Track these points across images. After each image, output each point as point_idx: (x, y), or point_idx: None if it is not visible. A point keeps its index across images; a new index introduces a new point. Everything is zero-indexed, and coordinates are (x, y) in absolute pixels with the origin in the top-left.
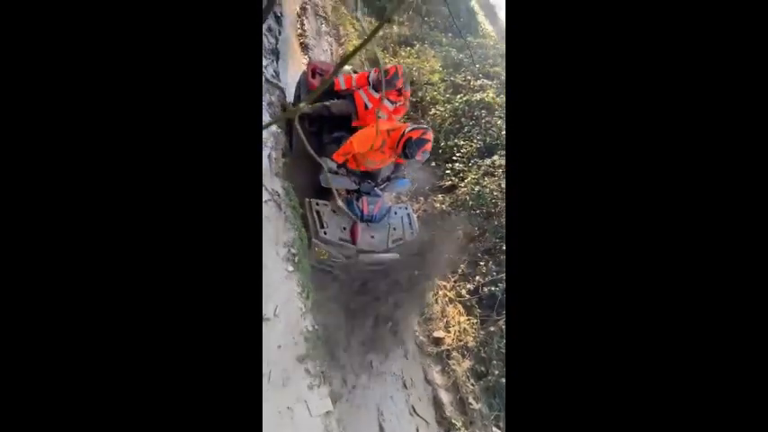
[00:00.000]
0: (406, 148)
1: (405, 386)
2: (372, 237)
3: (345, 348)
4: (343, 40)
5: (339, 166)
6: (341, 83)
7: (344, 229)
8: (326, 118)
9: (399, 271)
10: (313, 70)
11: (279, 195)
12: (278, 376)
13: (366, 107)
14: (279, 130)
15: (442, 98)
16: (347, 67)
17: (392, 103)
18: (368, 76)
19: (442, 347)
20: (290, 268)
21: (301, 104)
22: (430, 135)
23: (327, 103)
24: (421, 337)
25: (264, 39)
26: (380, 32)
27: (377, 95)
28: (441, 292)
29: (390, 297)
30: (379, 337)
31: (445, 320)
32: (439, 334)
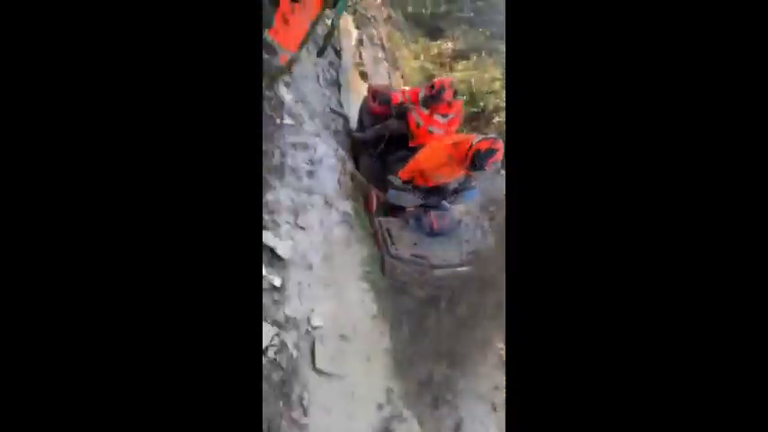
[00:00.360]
0: (475, 159)
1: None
2: (445, 251)
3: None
4: (399, 63)
5: (405, 182)
6: (398, 96)
7: (416, 245)
8: (389, 138)
9: (473, 283)
10: (373, 94)
11: (350, 216)
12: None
13: (418, 125)
14: (346, 156)
15: (506, 104)
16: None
17: (443, 116)
18: (418, 93)
19: None
20: (366, 286)
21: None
22: (500, 144)
23: (387, 123)
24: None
25: (327, 72)
26: (436, 50)
27: (427, 112)
28: None
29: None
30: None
31: None
32: None
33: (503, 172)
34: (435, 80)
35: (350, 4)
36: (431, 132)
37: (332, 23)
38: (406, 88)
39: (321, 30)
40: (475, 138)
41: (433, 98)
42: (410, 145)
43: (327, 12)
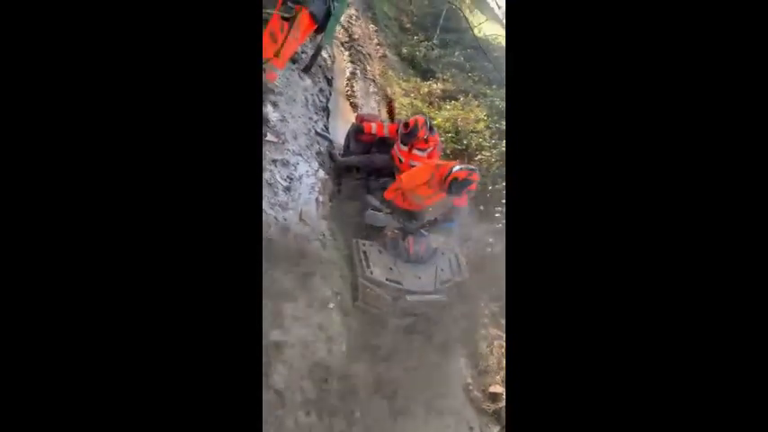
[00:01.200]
0: (452, 186)
1: None
2: (419, 277)
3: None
4: (390, 99)
5: (382, 203)
6: (372, 127)
7: (391, 269)
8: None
9: (447, 314)
10: (361, 121)
11: (324, 236)
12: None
13: (400, 161)
14: (327, 176)
15: (488, 144)
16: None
17: (422, 151)
18: (397, 129)
19: (500, 404)
20: (332, 306)
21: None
22: (476, 176)
23: (372, 157)
24: (475, 392)
25: (317, 98)
26: (426, 89)
27: (406, 149)
28: (496, 343)
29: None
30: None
31: (502, 374)
32: (496, 389)
33: (482, 207)
34: (410, 119)
35: (338, 33)
36: (412, 167)
37: (319, 45)
38: (385, 122)
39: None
40: (456, 165)
41: (408, 135)
42: (397, 176)
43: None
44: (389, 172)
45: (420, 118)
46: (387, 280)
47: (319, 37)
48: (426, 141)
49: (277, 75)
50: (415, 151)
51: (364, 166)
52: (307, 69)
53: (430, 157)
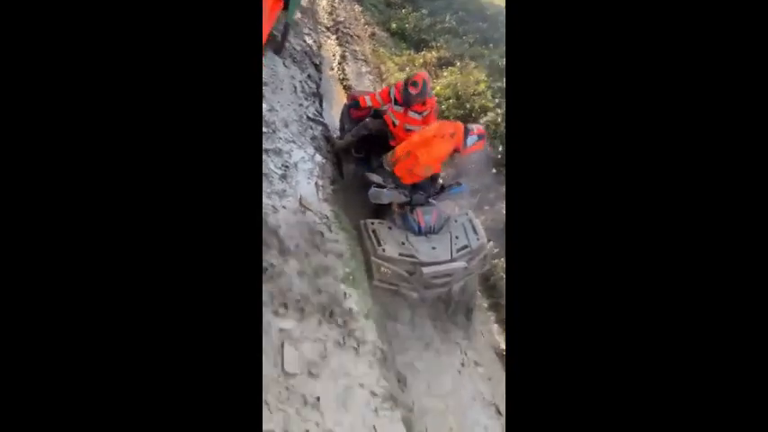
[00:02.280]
0: (467, 140)
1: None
2: (434, 248)
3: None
4: (384, 76)
5: (385, 179)
6: (366, 100)
7: (403, 244)
8: (371, 140)
9: (471, 280)
10: (353, 99)
11: (328, 218)
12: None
13: (394, 124)
14: (324, 160)
15: (492, 104)
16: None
17: (419, 113)
18: (389, 92)
19: None
20: (343, 286)
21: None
22: (484, 135)
23: (364, 122)
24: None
25: (305, 84)
26: (421, 60)
27: (401, 110)
28: None
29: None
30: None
31: None
32: None
33: (494, 170)
34: (414, 75)
35: (323, 18)
36: (408, 131)
37: (285, 23)
38: (376, 91)
39: (276, 31)
40: (467, 125)
41: (419, 95)
42: (391, 144)
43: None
44: (385, 137)
45: (424, 74)
46: (400, 255)
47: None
48: (424, 104)
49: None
50: (410, 113)
51: (358, 134)
52: (278, 51)
53: (426, 120)
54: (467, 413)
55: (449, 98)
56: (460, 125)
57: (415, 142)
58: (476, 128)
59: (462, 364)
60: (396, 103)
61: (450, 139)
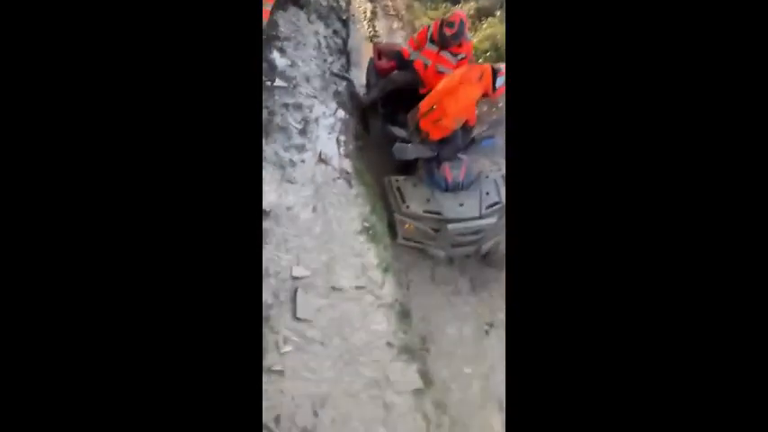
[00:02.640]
0: (496, 81)
1: None
2: (461, 205)
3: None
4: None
5: (411, 134)
6: (408, 50)
7: (429, 200)
8: (398, 96)
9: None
10: (379, 53)
11: (349, 173)
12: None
13: (425, 66)
14: (348, 116)
15: None
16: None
17: (454, 55)
18: (426, 32)
19: None
20: (362, 239)
21: None
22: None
23: (390, 76)
24: None
25: (330, 41)
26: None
27: (435, 49)
28: None
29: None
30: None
31: None
32: None
33: None
34: (451, 15)
35: None
36: (440, 73)
37: None
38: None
39: None
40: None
41: (455, 36)
42: (421, 92)
43: None
44: (413, 94)
45: (461, 13)
46: (425, 212)
47: None
48: (460, 45)
49: (268, 10)
50: (444, 54)
51: (384, 88)
52: (301, 4)
53: (460, 65)
54: (491, 375)
55: (487, 51)
56: (488, 66)
57: (439, 92)
58: (504, 67)
59: (491, 325)
60: (431, 41)
61: (477, 84)
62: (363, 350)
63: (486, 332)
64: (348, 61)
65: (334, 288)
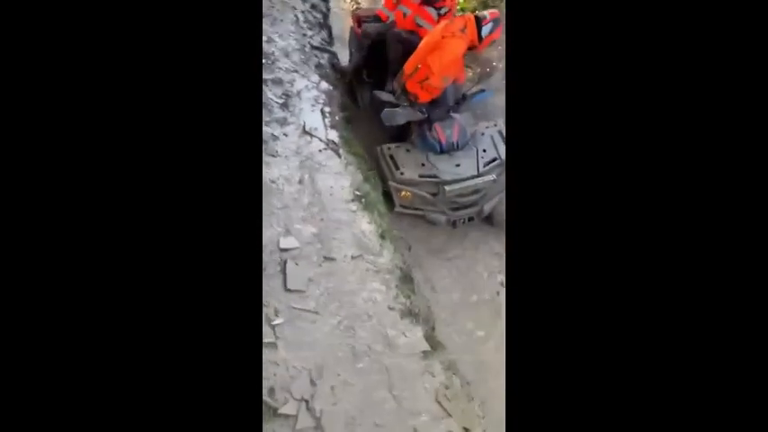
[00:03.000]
0: (482, 33)
1: None
2: (458, 165)
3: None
4: None
5: (398, 97)
6: (384, 11)
7: (423, 165)
8: (383, 64)
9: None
10: (358, 20)
11: (336, 144)
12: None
13: (404, 15)
14: (332, 87)
15: None
16: None
17: (436, 9)
18: None
19: None
20: (354, 208)
21: None
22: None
23: (365, 28)
24: None
25: (309, 15)
26: None
27: (417, 1)
28: None
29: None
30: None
31: None
32: None
33: None
34: None
35: None
36: (419, 26)
37: None
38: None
39: None
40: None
41: None
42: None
43: None
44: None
45: None
46: (420, 177)
47: None
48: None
49: None
50: (426, 7)
51: (362, 48)
52: None
53: (441, 20)
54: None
55: (475, 10)
56: (470, 16)
57: (422, 50)
58: (488, 13)
59: (497, 293)
60: None
61: (461, 36)
62: (362, 316)
63: (498, 293)
64: (330, 35)
65: (326, 258)
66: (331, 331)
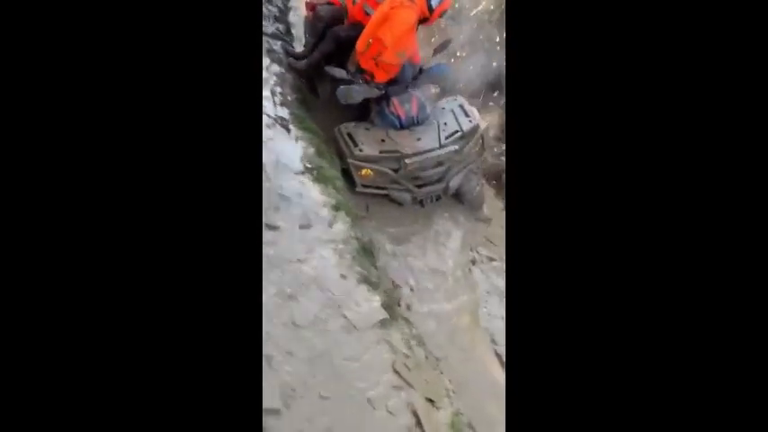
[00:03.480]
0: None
1: None
2: (419, 139)
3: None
4: None
5: (353, 74)
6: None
7: (383, 141)
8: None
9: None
10: (311, 8)
11: (286, 120)
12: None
13: (354, 2)
14: (284, 71)
15: None
16: None
17: None
18: None
19: None
20: (306, 180)
21: None
22: None
23: (317, 11)
24: None
25: (264, 8)
26: None
27: None
28: None
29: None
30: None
31: None
32: None
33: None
34: None
35: None
36: (367, 14)
37: None
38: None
39: None
40: None
41: None
42: (346, 23)
43: None
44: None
45: None
46: (380, 153)
47: None
48: None
49: None
50: None
51: (314, 31)
52: None
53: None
54: (479, 310)
55: None
56: None
57: (372, 25)
58: None
59: (473, 262)
60: None
61: (410, 7)
62: (309, 285)
63: (470, 270)
64: (288, 31)
65: (269, 226)
66: (269, 300)
